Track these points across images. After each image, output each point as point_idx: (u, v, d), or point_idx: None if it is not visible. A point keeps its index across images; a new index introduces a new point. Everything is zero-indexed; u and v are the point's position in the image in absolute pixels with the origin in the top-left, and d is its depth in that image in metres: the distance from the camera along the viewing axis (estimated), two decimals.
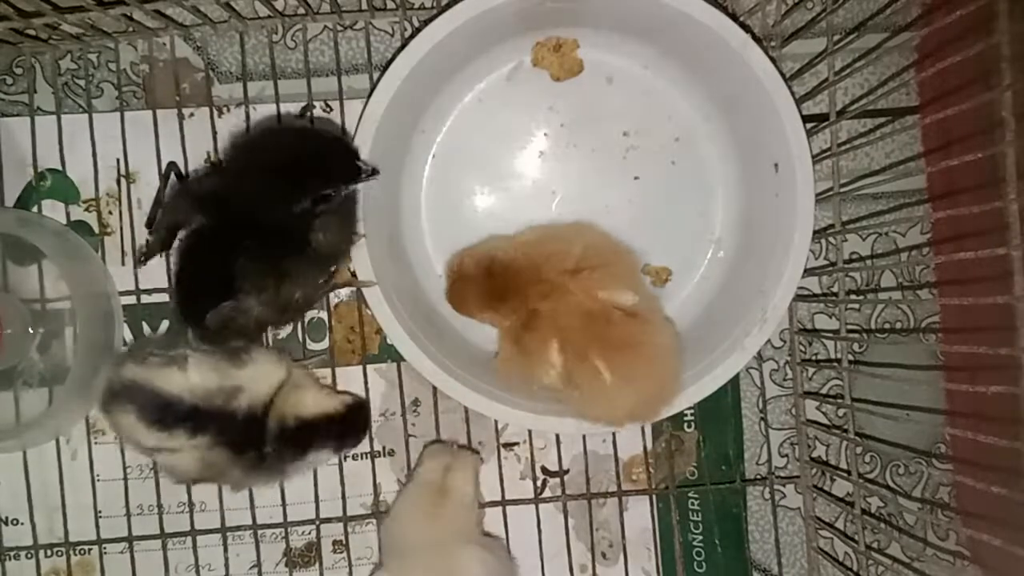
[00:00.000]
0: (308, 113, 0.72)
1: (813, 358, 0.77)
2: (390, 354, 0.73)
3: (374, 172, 0.63)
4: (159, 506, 0.72)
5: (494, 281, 0.65)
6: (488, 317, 0.67)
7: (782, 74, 0.64)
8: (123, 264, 0.73)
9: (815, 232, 0.66)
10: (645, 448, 0.75)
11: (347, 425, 0.69)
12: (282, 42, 0.74)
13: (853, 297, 0.76)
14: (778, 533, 0.76)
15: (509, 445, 0.75)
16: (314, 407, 0.67)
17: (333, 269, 0.68)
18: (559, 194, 0.73)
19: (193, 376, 0.62)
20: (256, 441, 0.64)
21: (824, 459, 0.77)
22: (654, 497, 0.75)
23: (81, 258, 0.70)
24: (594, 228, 0.71)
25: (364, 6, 0.73)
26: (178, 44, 0.73)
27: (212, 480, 0.66)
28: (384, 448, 0.74)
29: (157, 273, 0.72)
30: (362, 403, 0.71)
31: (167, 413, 0.61)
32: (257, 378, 0.64)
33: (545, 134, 0.73)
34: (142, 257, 0.69)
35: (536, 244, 0.67)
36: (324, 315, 0.73)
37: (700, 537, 0.76)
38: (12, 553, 0.72)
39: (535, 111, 0.72)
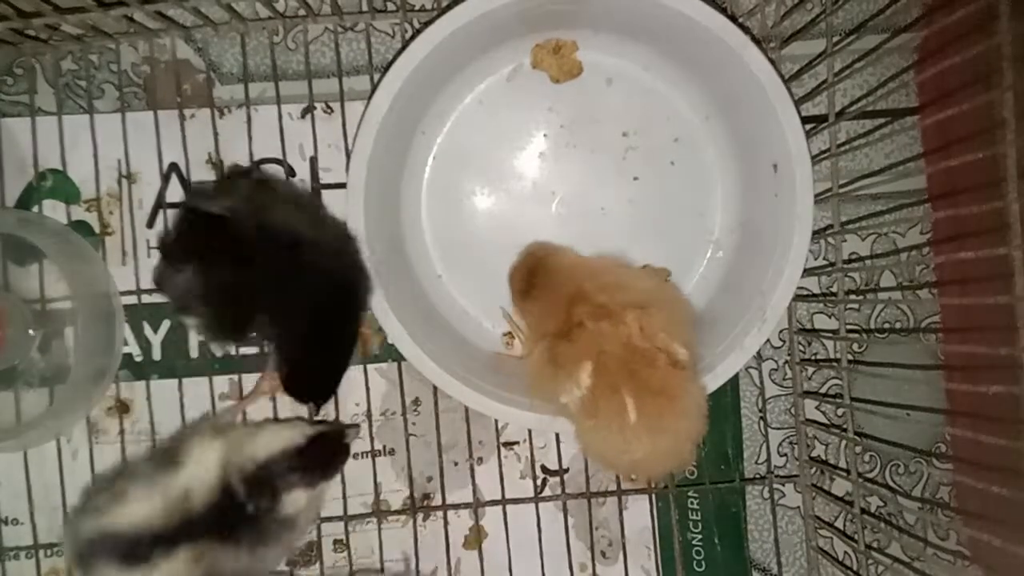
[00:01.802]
0: (310, 114, 0.72)
1: (812, 358, 0.77)
2: (390, 354, 0.73)
3: None
4: None
5: (532, 274, 0.66)
6: (517, 303, 0.69)
7: (781, 75, 0.64)
8: (124, 264, 0.73)
9: (814, 232, 0.66)
10: None
11: (310, 455, 0.64)
12: (283, 43, 0.74)
13: (852, 297, 0.76)
14: (777, 532, 0.76)
15: (509, 444, 0.75)
16: (267, 446, 0.63)
17: None
18: (559, 195, 0.73)
19: (137, 509, 0.60)
20: (234, 517, 0.61)
21: (823, 458, 0.77)
22: (653, 496, 0.75)
23: (82, 258, 0.70)
24: (663, 274, 0.73)
25: (365, 8, 0.73)
26: (179, 45, 0.73)
27: None
28: (384, 447, 0.75)
29: None
30: (332, 432, 0.66)
31: (134, 548, 0.59)
32: (199, 470, 0.61)
33: (545, 135, 0.73)
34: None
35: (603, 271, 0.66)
36: None
37: (699, 536, 0.76)
38: (12, 553, 0.72)
39: (535, 112, 0.73)
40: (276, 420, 0.71)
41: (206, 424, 0.68)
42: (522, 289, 0.67)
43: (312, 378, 0.67)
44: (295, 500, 0.63)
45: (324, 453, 0.65)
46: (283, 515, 0.63)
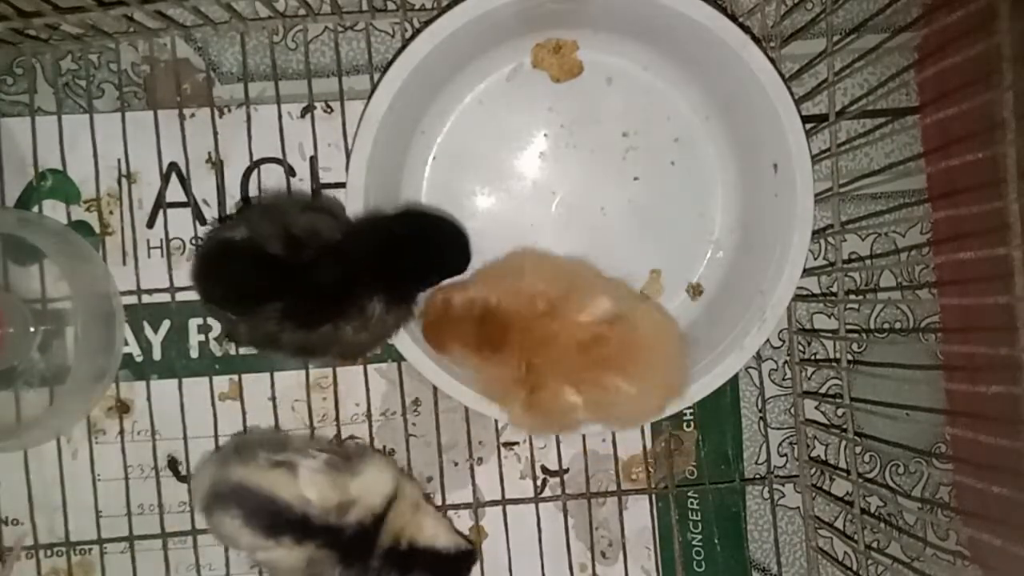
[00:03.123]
0: (310, 114, 0.72)
1: (812, 358, 0.77)
2: (390, 354, 0.73)
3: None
4: (160, 505, 0.72)
5: (488, 328, 0.63)
6: (472, 361, 0.65)
7: (781, 75, 0.64)
8: (124, 264, 0.73)
9: (814, 232, 0.66)
10: (644, 447, 0.75)
11: (450, 569, 0.68)
12: (283, 43, 0.74)
13: (852, 297, 0.76)
14: (777, 532, 0.76)
15: (509, 444, 0.75)
16: (428, 537, 0.66)
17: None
18: (559, 195, 0.73)
19: (308, 490, 0.60)
20: (363, 554, 0.62)
21: (823, 459, 0.77)
22: (653, 496, 0.75)
23: (82, 258, 0.70)
24: (532, 252, 0.70)
25: (365, 7, 0.73)
26: (179, 45, 0.73)
27: None
28: (384, 447, 0.74)
29: (158, 273, 0.72)
30: (472, 552, 0.69)
31: (277, 520, 0.60)
32: (369, 488, 0.63)
33: (545, 135, 0.73)
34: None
35: (498, 286, 0.65)
36: None
37: (699, 536, 0.76)
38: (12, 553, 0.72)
39: (535, 112, 0.72)
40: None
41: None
42: (480, 345, 0.64)
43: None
44: None
45: (460, 571, 0.69)
46: None
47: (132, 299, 0.72)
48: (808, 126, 0.67)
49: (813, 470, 0.76)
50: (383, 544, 0.63)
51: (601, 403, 0.63)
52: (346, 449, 0.68)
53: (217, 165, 0.73)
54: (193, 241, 0.73)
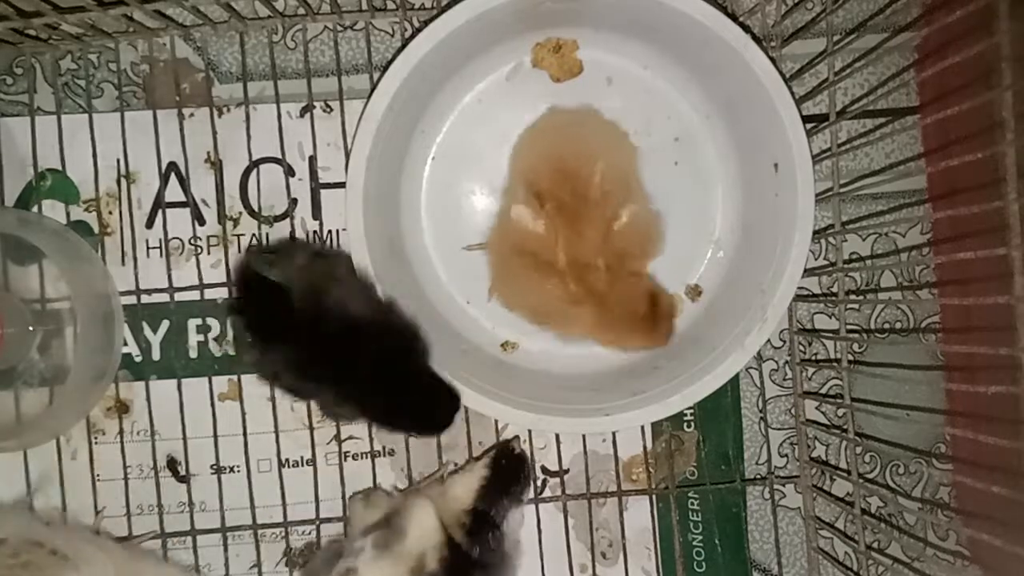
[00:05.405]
0: (309, 113, 0.72)
1: (813, 358, 0.77)
2: None
3: None
4: (159, 506, 0.72)
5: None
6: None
7: (782, 74, 0.64)
8: (123, 264, 0.73)
9: (815, 232, 0.66)
10: (645, 448, 0.75)
11: (504, 474, 0.68)
12: (282, 42, 0.74)
13: (853, 297, 0.76)
14: (778, 533, 0.76)
15: None
16: (467, 488, 0.66)
17: None
18: None
19: None
20: (465, 566, 0.63)
21: (824, 459, 0.77)
22: (654, 497, 0.75)
23: (81, 258, 0.70)
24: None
25: (364, 6, 0.73)
26: (178, 44, 0.73)
27: None
28: (384, 448, 0.74)
29: (157, 274, 0.72)
30: (501, 449, 0.70)
31: None
32: (424, 534, 0.63)
33: None
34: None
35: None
36: None
37: (700, 537, 0.76)
38: None
39: (535, 112, 0.72)
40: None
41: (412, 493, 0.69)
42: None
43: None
44: (514, 521, 0.67)
45: (511, 467, 0.68)
46: (508, 542, 0.66)
47: (131, 299, 0.72)
48: (808, 126, 0.67)
49: (814, 470, 0.76)
50: (462, 540, 0.64)
51: None
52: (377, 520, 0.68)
53: (216, 165, 0.73)
54: (192, 241, 0.73)
